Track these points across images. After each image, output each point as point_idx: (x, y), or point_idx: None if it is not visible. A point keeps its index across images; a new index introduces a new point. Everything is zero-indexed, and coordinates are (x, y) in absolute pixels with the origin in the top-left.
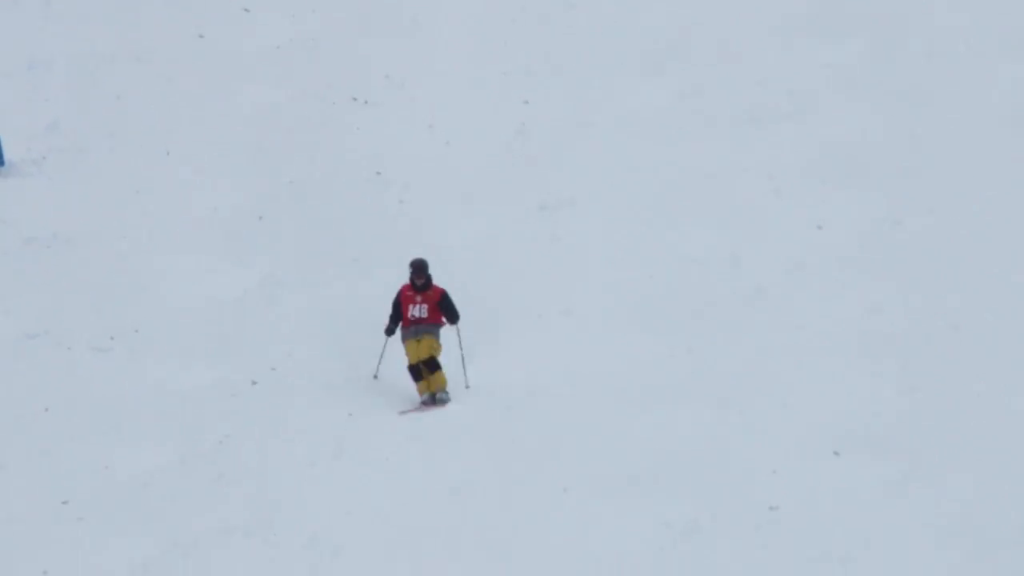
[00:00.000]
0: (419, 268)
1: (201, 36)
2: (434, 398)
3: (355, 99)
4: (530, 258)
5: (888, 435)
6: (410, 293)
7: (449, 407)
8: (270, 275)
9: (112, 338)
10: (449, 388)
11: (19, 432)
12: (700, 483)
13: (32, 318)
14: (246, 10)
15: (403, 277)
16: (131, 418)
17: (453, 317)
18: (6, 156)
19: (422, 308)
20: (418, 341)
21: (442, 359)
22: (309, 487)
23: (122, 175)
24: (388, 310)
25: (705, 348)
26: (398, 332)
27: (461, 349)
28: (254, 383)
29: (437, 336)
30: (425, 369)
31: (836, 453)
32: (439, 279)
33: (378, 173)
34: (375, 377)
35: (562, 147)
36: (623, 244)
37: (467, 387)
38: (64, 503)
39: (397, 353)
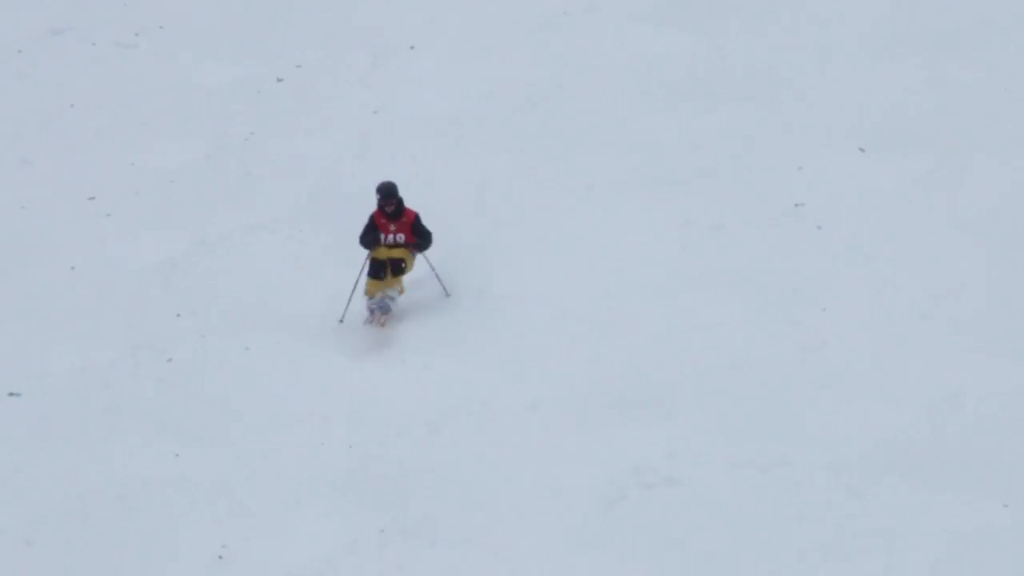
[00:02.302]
0: (387, 192)
1: None
2: (382, 304)
3: None
4: None
5: (914, 130)
6: (384, 221)
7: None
8: None
9: (137, 34)
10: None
11: (45, 129)
12: (724, 180)
13: (56, 14)
14: None
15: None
16: (157, 115)
17: (425, 242)
18: None
19: (397, 237)
20: (390, 248)
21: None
22: (336, 167)
23: None
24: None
25: (728, 44)
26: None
27: (430, 263)
28: (279, 80)
29: (413, 255)
30: (389, 270)
31: (861, 149)
32: None
33: None
34: (340, 321)
35: None
36: None
37: (448, 296)
38: (91, 199)
39: None
